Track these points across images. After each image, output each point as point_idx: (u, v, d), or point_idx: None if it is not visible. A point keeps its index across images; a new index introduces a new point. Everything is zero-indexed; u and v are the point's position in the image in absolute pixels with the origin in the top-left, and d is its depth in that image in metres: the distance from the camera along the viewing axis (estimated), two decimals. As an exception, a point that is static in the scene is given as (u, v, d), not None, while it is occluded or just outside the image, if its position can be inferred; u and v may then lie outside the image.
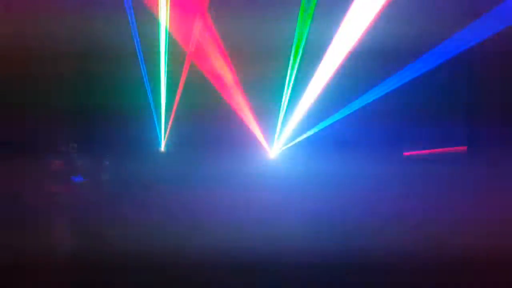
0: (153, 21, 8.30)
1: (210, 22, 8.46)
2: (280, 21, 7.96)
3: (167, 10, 8.25)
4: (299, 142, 8.86)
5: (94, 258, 4.73)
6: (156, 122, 8.85)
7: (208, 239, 5.42)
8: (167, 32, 8.37)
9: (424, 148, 8.14)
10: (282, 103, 8.78)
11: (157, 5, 8.17)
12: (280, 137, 9.00)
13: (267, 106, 8.79)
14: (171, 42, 8.45)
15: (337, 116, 8.63)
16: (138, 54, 8.38)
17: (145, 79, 8.59)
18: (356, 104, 8.47)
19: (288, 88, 8.70)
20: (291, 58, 8.39)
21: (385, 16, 7.61)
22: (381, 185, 7.78)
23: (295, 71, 8.51)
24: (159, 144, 8.91)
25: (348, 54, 7.88)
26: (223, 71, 8.71)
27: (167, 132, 8.87)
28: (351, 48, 7.98)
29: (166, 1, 8.14)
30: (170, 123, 8.81)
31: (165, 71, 8.63)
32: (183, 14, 8.42)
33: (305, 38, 8.23)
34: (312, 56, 8.43)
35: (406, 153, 8.24)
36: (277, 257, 4.79)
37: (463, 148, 7.93)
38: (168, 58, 8.53)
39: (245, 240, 5.41)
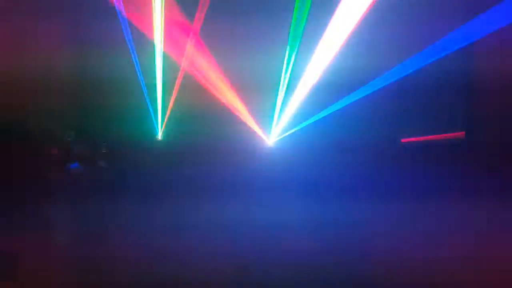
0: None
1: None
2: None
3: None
4: (298, 131, 8.87)
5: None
6: (152, 112, 8.90)
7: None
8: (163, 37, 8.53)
9: (422, 135, 8.10)
10: (278, 94, 8.84)
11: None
12: (278, 125, 9.04)
13: (264, 98, 8.84)
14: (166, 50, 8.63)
15: (334, 108, 8.65)
16: (133, 55, 8.52)
17: (140, 77, 8.69)
18: (356, 96, 8.48)
19: (284, 83, 8.77)
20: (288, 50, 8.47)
21: (385, 8, 7.73)
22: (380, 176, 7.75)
23: (290, 68, 8.59)
24: (156, 133, 8.96)
25: (345, 41, 7.93)
26: (218, 68, 8.80)
27: (165, 122, 8.93)
28: (347, 38, 8.06)
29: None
30: (167, 113, 8.87)
31: (161, 70, 8.75)
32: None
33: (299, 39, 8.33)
34: (307, 53, 8.53)
35: (404, 140, 8.19)
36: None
37: (461, 133, 7.89)
38: (163, 61, 8.69)
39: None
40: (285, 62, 8.60)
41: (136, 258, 4.43)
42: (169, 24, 8.43)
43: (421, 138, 8.10)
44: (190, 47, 8.66)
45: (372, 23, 7.77)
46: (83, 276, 4.20)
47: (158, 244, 4.86)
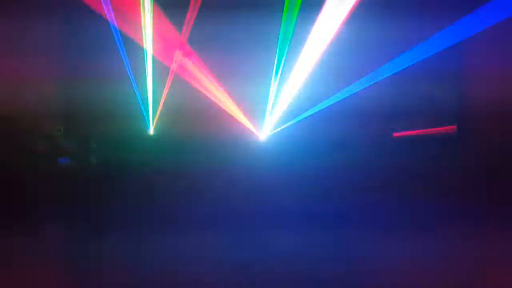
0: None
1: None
2: None
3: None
4: (291, 125, 8.85)
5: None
6: (143, 108, 8.87)
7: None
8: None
9: (413, 129, 8.12)
10: (270, 90, 8.83)
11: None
12: (270, 120, 9.02)
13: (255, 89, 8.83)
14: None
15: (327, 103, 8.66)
16: (122, 55, 8.53)
17: (129, 71, 8.67)
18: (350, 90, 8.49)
19: (275, 78, 8.76)
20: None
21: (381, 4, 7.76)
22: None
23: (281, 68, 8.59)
24: (147, 128, 8.92)
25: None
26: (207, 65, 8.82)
27: (156, 116, 8.90)
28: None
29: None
30: (159, 108, 8.84)
31: (151, 68, 8.75)
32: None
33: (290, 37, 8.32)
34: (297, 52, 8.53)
35: (396, 134, 8.21)
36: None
37: (453, 127, 7.93)
38: (153, 61, 8.69)
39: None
40: (275, 59, 8.60)
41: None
42: (158, 28, 8.48)
43: (413, 132, 8.13)
44: (178, 48, 8.72)
45: (365, 17, 7.78)
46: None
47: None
